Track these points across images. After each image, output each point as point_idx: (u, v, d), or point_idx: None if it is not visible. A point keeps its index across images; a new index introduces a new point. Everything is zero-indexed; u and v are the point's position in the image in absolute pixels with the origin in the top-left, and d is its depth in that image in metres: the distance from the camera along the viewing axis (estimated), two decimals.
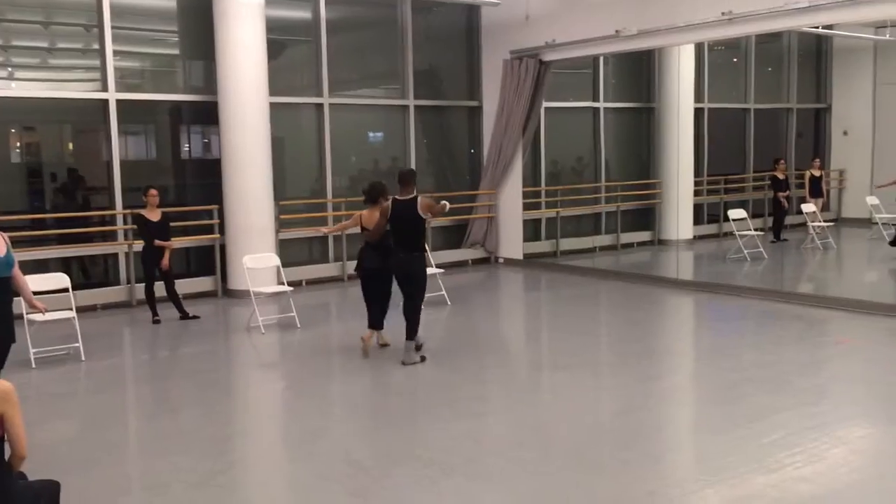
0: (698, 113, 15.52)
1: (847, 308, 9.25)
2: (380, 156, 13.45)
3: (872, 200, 15.06)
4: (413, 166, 13.10)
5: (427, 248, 8.07)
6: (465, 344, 8.63)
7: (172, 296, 9.67)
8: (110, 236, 10.82)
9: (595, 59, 14.44)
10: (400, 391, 6.98)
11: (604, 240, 14.85)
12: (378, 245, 7.84)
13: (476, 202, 13.69)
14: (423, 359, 7.64)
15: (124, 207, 10.61)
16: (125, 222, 10.56)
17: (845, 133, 17.67)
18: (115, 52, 10.66)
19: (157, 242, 9.34)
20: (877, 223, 14.51)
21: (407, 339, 7.59)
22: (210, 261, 11.15)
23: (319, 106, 12.29)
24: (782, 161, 15.08)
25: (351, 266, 12.09)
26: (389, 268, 7.72)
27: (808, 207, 14.60)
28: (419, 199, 7.44)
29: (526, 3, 12.53)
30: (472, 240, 13.66)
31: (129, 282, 10.57)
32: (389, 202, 7.56)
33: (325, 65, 12.20)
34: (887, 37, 16.06)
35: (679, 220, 15.04)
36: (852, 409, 5.88)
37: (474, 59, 13.86)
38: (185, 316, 9.64)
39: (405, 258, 7.51)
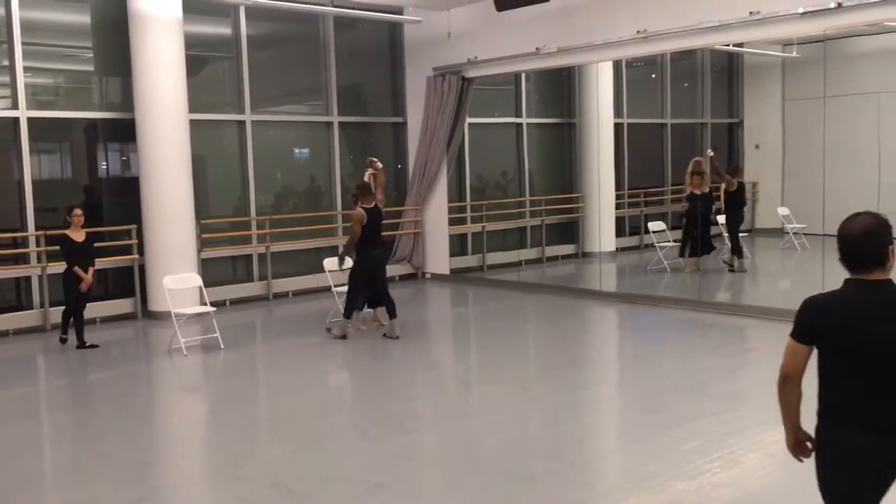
0: (618, 128, 15.90)
1: (762, 316, 9.60)
2: (305, 172, 13.35)
3: (783, 211, 15.66)
4: (339, 182, 13.06)
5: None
6: (393, 360, 8.61)
7: (79, 320, 9.23)
8: (22, 259, 10.42)
9: (517, 75, 14.66)
10: (328, 410, 6.91)
11: (529, 253, 15.03)
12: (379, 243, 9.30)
13: (402, 218, 13.70)
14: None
15: (37, 228, 10.25)
16: (38, 244, 10.20)
17: (757, 147, 18.35)
18: (26, 69, 10.32)
19: (77, 271, 8.92)
20: (788, 233, 15.08)
21: (394, 317, 9.21)
22: (129, 282, 10.86)
23: (241, 123, 12.13)
24: (704, 175, 15.53)
25: (277, 284, 12.00)
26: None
27: (721, 219, 15.08)
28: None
29: (448, 20, 12.66)
30: (399, 255, 13.67)
31: (42, 305, 10.20)
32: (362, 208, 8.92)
33: (246, 81, 12.07)
34: (794, 54, 16.77)
35: (601, 232, 15.35)
36: (767, 414, 6.05)
37: (398, 75, 13.92)
38: (81, 345, 9.16)
39: (382, 252, 9.38)
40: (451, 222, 13.84)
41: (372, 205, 9.09)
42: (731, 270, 13.25)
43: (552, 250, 15.24)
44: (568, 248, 15.60)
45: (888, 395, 2.85)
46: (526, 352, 9.17)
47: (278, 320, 11.20)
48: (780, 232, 15.47)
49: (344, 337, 9.12)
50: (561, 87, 15.77)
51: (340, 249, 9.75)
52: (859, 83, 16.40)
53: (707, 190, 13.16)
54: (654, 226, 14.04)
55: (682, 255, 13.22)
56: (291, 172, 13.37)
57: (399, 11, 12.99)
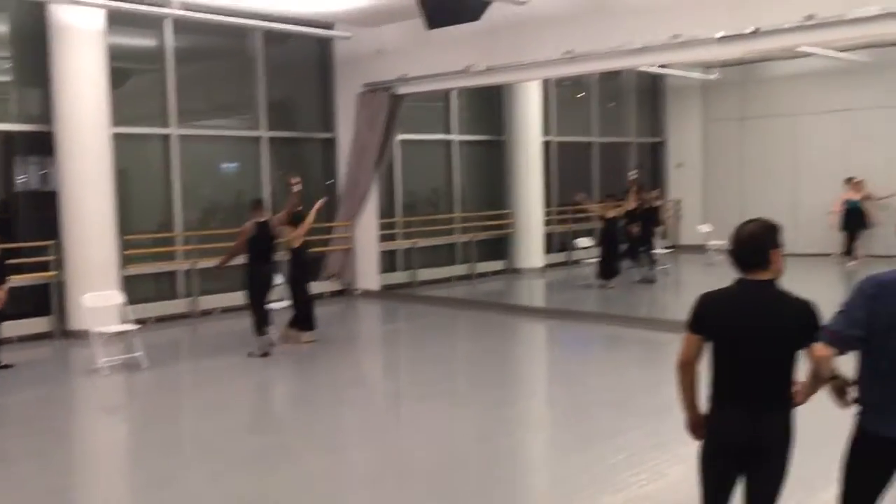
0: (547, 145, 16.16)
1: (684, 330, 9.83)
2: (232, 187, 13.13)
3: (705, 228, 16.12)
4: (268, 198, 12.88)
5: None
6: (322, 377, 8.52)
7: None
8: None
9: (447, 92, 14.77)
10: (253, 430, 6.79)
11: (459, 269, 15.11)
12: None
13: (333, 234, 13.61)
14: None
15: None
16: None
17: (680, 165, 18.89)
18: None
19: None
20: (709, 249, 15.53)
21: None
22: (46, 300, 10.48)
23: (166, 137, 11.89)
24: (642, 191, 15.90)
25: (203, 301, 11.74)
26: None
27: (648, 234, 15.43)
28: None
29: (379, 37, 12.68)
30: (329, 271, 13.55)
31: None
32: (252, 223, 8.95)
33: (172, 94, 11.84)
34: (714, 76, 17.36)
35: (530, 249, 15.56)
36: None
37: (328, 91, 13.85)
38: None
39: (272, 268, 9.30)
40: (382, 238, 13.82)
41: (263, 220, 9.09)
42: (651, 282, 13.65)
43: (482, 266, 15.35)
44: (497, 265, 15.73)
45: (759, 384, 3.21)
46: (456, 368, 9.19)
47: (204, 338, 10.97)
48: (702, 248, 15.90)
49: (265, 355, 8.96)
50: (491, 105, 15.95)
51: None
52: (776, 105, 17.08)
53: (615, 214, 13.36)
54: (581, 242, 14.28)
55: (598, 275, 13.44)
56: (219, 188, 13.15)
57: (329, 27, 12.96)
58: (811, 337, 3.15)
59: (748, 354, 3.22)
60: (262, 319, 9.13)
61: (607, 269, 13.36)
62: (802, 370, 3.27)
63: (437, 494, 5.16)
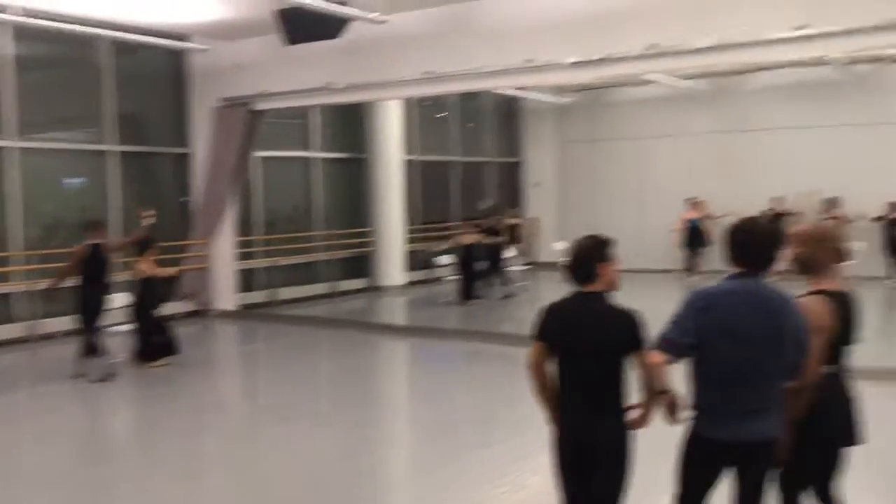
0: (409, 164, 16.29)
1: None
2: (77, 204, 12.40)
3: (561, 245, 16.68)
4: (118, 215, 12.27)
5: None
6: (176, 402, 8.16)
7: None
8: None
9: (307, 109, 14.63)
10: (98, 458, 6.41)
11: (320, 288, 14.92)
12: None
13: (187, 252, 13.12)
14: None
15: None
16: None
17: (537, 184, 19.51)
18: None
19: None
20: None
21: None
22: None
23: (3, 149, 11.11)
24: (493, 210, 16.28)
25: (45, 324, 11.00)
26: None
27: (507, 253, 15.83)
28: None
29: (237, 51, 12.41)
30: (184, 292, 13.04)
31: None
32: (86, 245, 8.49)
33: (11, 104, 11.09)
34: (566, 100, 18.09)
35: (392, 266, 15.59)
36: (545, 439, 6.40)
37: (183, 104, 13.39)
38: None
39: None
40: (240, 257, 13.46)
41: (98, 242, 8.76)
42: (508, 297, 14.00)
43: (344, 284, 15.24)
44: (359, 282, 15.66)
45: (590, 391, 3.43)
46: (317, 388, 9.05)
47: (44, 363, 10.27)
48: (558, 266, 16.43)
49: (105, 379, 8.47)
50: (352, 123, 15.92)
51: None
52: (623, 129, 17.98)
53: (472, 241, 13.64)
54: (442, 260, 14.44)
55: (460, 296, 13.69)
56: (62, 204, 12.37)
57: (185, 38, 12.56)
58: (635, 345, 3.39)
59: (579, 362, 3.45)
60: (91, 343, 8.68)
61: (467, 291, 13.62)
62: (636, 387, 3.47)
63: None
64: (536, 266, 18.45)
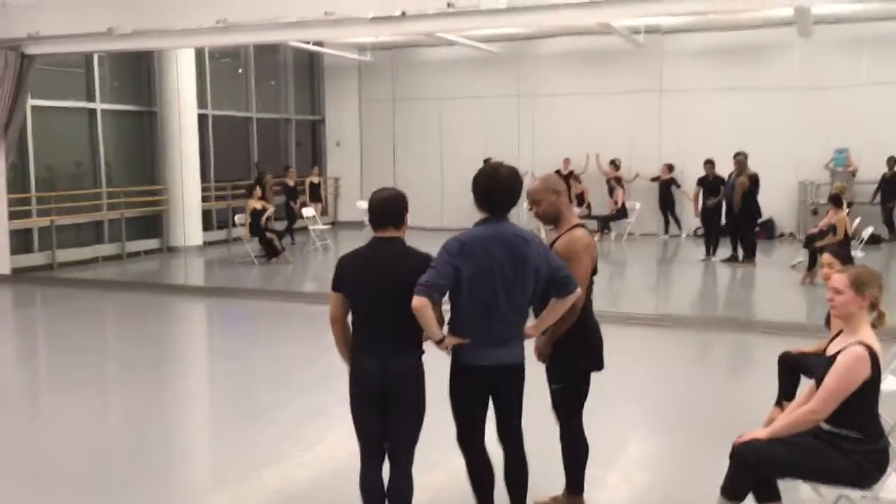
0: (202, 119, 15.55)
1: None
2: None
3: (362, 204, 16.68)
4: None
5: None
6: None
7: None
8: None
9: (88, 56, 13.53)
10: None
11: (108, 249, 13.99)
12: None
13: None
14: None
15: None
16: None
17: (338, 144, 19.33)
18: None
19: None
20: (367, 225, 16.12)
21: None
22: None
23: None
24: (291, 168, 15.91)
25: None
26: None
27: (308, 212, 15.63)
28: None
29: None
30: None
31: None
32: None
33: None
34: (368, 58, 17.99)
35: (186, 226, 14.90)
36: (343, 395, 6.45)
37: None
38: None
39: None
40: (13, 216, 12.32)
41: None
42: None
43: (134, 245, 14.39)
44: (152, 243, 14.86)
45: (387, 332, 3.59)
46: (103, 354, 8.50)
47: None
48: (361, 224, 16.46)
49: None
50: (140, 74, 14.93)
51: None
52: (424, 89, 18.15)
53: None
54: (239, 218, 13.97)
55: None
56: None
57: None
58: None
59: (376, 304, 3.60)
60: None
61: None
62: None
63: (78, 489, 4.74)
64: (338, 225, 18.39)
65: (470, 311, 3.64)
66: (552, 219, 4.04)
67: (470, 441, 3.80)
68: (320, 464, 5.08)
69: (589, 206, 16.02)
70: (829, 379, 3.47)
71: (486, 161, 16.15)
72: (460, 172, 17.04)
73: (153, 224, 14.99)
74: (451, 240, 3.65)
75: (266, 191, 14.13)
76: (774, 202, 14.48)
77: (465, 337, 3.65)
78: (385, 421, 3.61)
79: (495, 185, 3.69)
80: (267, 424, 5.76)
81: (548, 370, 4.04)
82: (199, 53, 15.20)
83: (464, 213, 18.17)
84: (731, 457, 3.56)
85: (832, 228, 10.51)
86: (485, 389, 3.74)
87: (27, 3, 11.24)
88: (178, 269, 13.90)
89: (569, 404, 4.06)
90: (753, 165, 12.22)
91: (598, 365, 4.07)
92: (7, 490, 4.77)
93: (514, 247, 3.64)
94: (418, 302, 3.48)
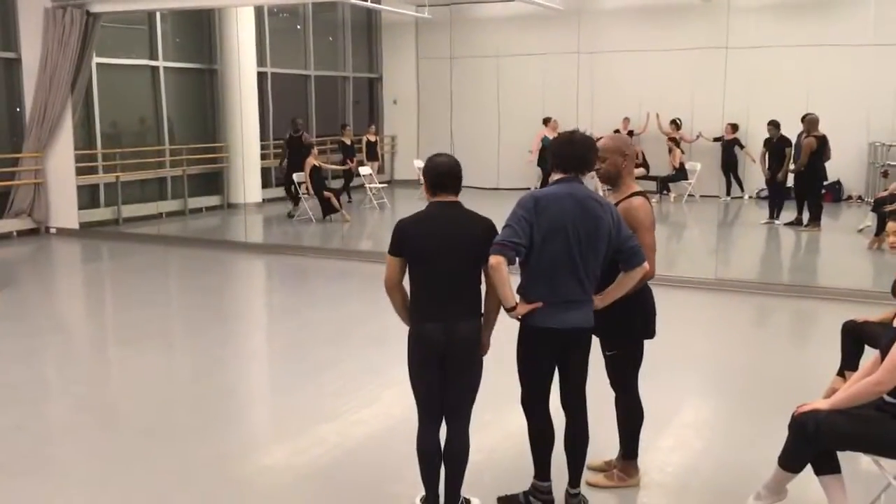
0: (261, 77, 15.67)
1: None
2: None
3: (419, 163, 16.70)
4: None
5: None
6: (9, 324, 7.67)
7: None
8: None
9: (151, 14, 13.70)
10: None
11: (170, 205, 14.31)
12: None
13: (20, 166, 12.20)
14: None
15: None
16: None
17: (395, 102, 19.29)
18: None
19: None
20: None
21: None
22: None
23: None
24: (348, 127, 15.97)
25: None
26: None
27: (364, 170, 15.70)
28: None
29: None
30: (16, 208, 12.18)
31: None
32: None
33: None
34: (426, 14, 17.83)
35: (246, 183, 15.12)
36: (402, 353, 6.54)
37: (9, 5, 12.21)
38: None
39: None
40: (80, 172, 12.67)
41: None
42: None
43: (195, 202, 14.69)
44: (213, 200, 15.15)
45: (450, 295, 3.59)
46: (168, 309, 8.75)
47: None
48: (417, 183, 16.48)
49: None
50: (201, 32, 15.08)
51: None
52: (481, 46, 17.94)
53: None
54: (298, 177, 14.12)
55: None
56: None
57: None
58: (488, 249, 3.56)
59: (439, 267, 3.58)
60: None
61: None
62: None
63: (145, 435, 4.92)
64: (394, 183, 18.45)
65: (542, 270, 3.62)
66: (613, 179, 3.99)
67: (535, 405, 3.80)
68: (376, 420, 5.17)
69: (647, 167, 15.74)
70: (895, 351, 3.38)
71: (546, 120, 16.10)
72: (518, 132, 17.15)
73: (214, 181, 15.26)
74: (526, 196, 3.65)
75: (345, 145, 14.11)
76: (842, 164, 14.00)
77: (535, 299, 3.63)
78: (444, 382, 3.63)
79: (571, 146, 3.73)
80: (325, 381, 5.88)
81: (600, 337, 4.02)
82: (259, 11, 15.26)
83: (520, 174, 18.17)
84: (791, 427, 3.51)
85: None
86: (554, 353, 3.73)
87: None
88: (237, 226, 14.15)
89: (624, 370, 4.05)
90: (822, 125, 11.83)
91: (650, 333, 4.04)
92: (79, 437, 4.98)
93: (588, 208, 3.63)
94: (495, 260, 3.48)
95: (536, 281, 3.65)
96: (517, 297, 3.65)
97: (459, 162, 3.72)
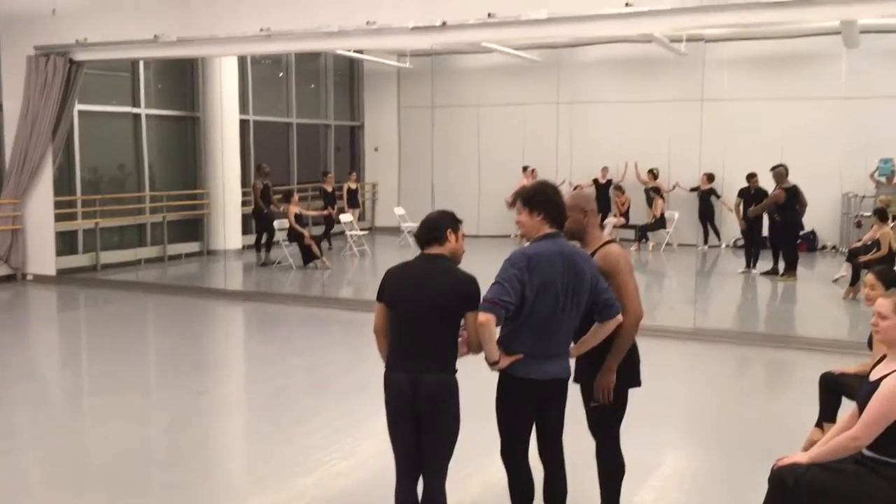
0: (244, 124, 15.74)
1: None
2: None
3: (399, 211, 16.77)
4: None
5: None
6: None
7: None
8: None
9: (134, 62, 13.79)
10: None
11: (150, 252, 14.22)
12: None
13: None
14: None
15: None
16: None
17: (376, 149, 19.43)
18: None
19: None
20: (403, 231, 16.19)
21: None
22: None
23: None
24: (329, 174, 16.03)
25: None
26: None
27: (345, 217, 15.73)
28: None
29: None
30: None
31: None
32: None
33: None
34: (407, 65, 18.05)
35: (226, 230, 15.07)
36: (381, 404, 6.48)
37: None
38: None
39: None
40: (60, 218, 12.59)
41: None
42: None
43: (175, 248, 14.61)
44: (192, 246, 15.08)
45: (421, 347, 3.60)
46: (145, 357, 8.66)
47: None
48: (397, 230, 16.52)
49: None
50: (184, 79, 15.17)
51: None
52: (462, 96, 18.17)
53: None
54: (279, 224, 14.12)
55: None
56: None
57: None
58: (470, 307, 3.59)
59: (409, 318, 3.63)
60: None
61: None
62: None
63: (120, 490, 4.83)
64: (375, 231, 18.49)
65: (529, 325, 3.65)
66: (578, 235, 4.01)
67: (514, 456, 3.80)
68: (356, 473, 5.12)
69: (626, 216, 15.91)
70: (872, 405, 3.42)
71: (525, 169, 16.25)
72: (498, 180, 17.27)
73: (194, 227, 15.21)
74: (517, 254, 3.66)
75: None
76: (817, 214, 14.23)
77: (519, 352, 3.66)
78: (418, 435, 3.62)
79: (561, 202, 3.78)
80: (305, 432, 5.82)
81: (583, 388, 4.02)
82: (242, 59, 15.39)
83: (501, 221, 18.23)
84: (770, 481, 3.52)
85: (876, 243, 10.32)
86: (533, 403, 3.75)
87: (76, 10, 11.50)
88: (217, 273, 14.07)
89: (606, 422, 4.05)
90: (796, 176, 12.04)
91: (636, 381, 4.06)
92: (49, 490, 4.88)
93: (574, 263, 3.69)
94: (484, 318, 3.50)
95: (521, 335, 3.67)
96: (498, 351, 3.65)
97: (447, 213, 3.79)
